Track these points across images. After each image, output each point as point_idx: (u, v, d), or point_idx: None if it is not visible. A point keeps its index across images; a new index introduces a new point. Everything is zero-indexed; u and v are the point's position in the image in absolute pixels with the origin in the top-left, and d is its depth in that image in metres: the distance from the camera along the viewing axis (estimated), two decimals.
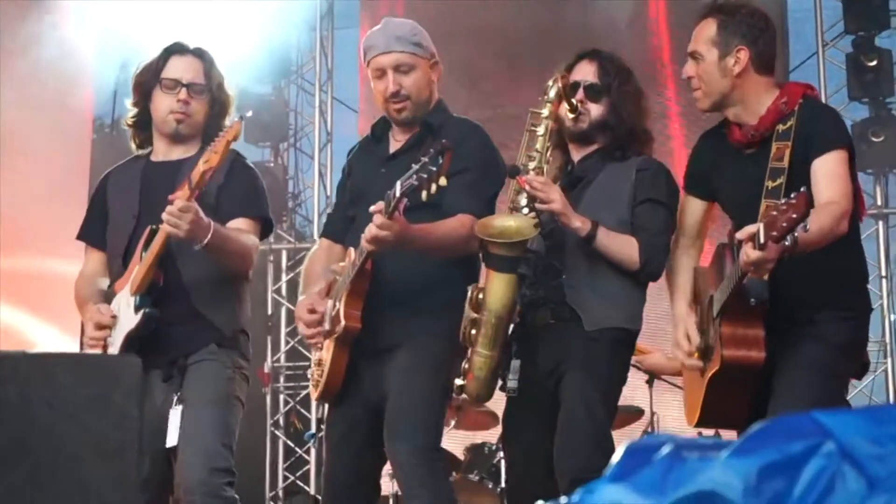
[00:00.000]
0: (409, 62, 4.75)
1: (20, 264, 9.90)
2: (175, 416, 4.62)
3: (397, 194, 4.21)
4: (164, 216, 4.49)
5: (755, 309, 4.12)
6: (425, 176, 4.14)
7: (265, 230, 5.02)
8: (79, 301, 5.02)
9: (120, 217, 4.96)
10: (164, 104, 4.89)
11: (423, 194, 4.18)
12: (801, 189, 3.83)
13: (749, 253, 3.86)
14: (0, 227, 9.92)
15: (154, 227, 4.64)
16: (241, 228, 4.78)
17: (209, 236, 4.52)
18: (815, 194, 4.05)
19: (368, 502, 4.84)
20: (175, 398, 4.64)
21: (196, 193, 4.49)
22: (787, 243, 3.82)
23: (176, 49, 4.98)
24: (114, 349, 4.75)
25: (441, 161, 4.15)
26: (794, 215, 3.75)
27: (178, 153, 4.93)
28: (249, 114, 4.58)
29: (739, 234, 3.92)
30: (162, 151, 4.98)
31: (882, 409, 1.83)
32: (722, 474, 1.79)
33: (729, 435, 5.98)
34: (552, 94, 4.79)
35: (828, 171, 4.20)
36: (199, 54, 5.00)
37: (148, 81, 4.94)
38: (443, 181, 4.18)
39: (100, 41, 9.54)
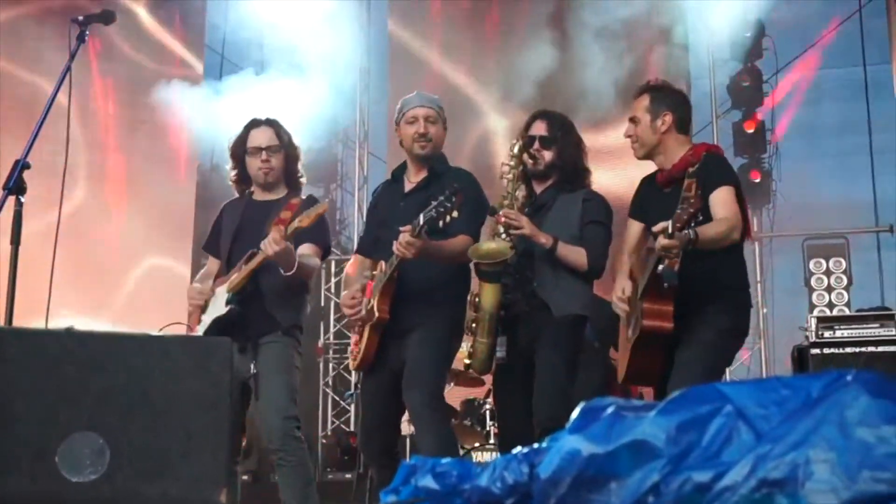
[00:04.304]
0: (435, 116, 4.77)
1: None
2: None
3: (421, 222, 4.27)
4: (267, 240, 4.50)
5: (667, 291, 4.06)
6: (442, 210, 4.21)
7: (325, 253, 4.97)
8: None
9: (226, 236, 4.95)
10: (253, 165, 4.91)
11: (440, 223, 4.24)
12: (698, 192, 3.90)
13: (661, 241, 3.83)
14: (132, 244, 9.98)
15: (255, 250, 4.63)
16: (306, 253, 4.73)
17: (294, 269, 4.56)
18: (713, 214, 4.12)
19: (391, 440, 4.81)
20: (252, 366, 4.61)
21: (290, 235, 4.49)
22: (690, 236, 3.85)
23: (253, 123, 4.98)
24: (202, 326, 4.77)
25: (454, 200, 4.21)
26: (692, 210, 3.82)
27: (268, 196, 4.93)
28: (327, 201, 4.60)
29: (655, 228, 3.90)
30: (258, 194, 4.98)
31: (766, 381, 1.80)
32: (650, 428, 1.77)
33: (647, 391, 5.99)
34: (516, 150, 4.81)
35: (721, 199, 4.19)
36: (270, 123, 4.98)
37: (238, 150, 4.97)
38: (455, 214, 4.23)
39: (199, 108, 9.52)
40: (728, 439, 1.71)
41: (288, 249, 4.52)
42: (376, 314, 4.55)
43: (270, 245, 4.48)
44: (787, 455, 1.63)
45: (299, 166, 5.00)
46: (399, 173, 4.94)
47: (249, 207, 4.95)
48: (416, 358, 4.53)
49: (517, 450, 1.85)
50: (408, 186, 4.85)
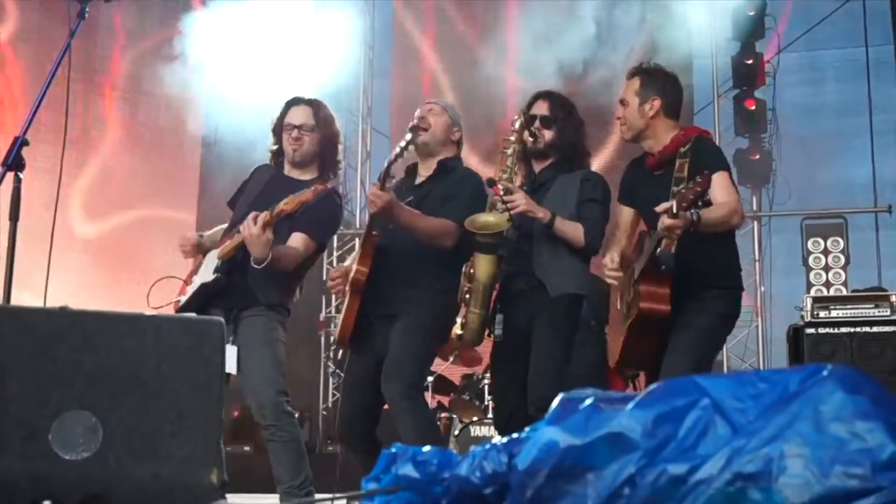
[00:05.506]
0: (438, 110, 4.87)
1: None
2: (231, 351, 4.49)
3: (384, 167, 4.42)
4: (245, 222, 4.44)
5: (665, 274, 4.04)
6: (398, 151, 4.50)
7: (319, 248, 4.81)
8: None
9: (244, 199, 4.90)
10: (286, 141, 4.84)
11: (399, 161, 4.62)
12: (704, 172, 3.84)
13: (664, 220, 3.80)
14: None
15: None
16: (293, 245, 4.61)
17: (267, 261, 4.42)
18: (713, 199, 4.04)
19: (369, 428, 4.76)
20: (231, 339, 4.53)
21: (273, 219, 4.40)
22: (693, 218, 3.82)
23: (293, 101, 4.93)
24: (192, 288, 4.74)
25: (413, 138, 4.57)
26: (699, 189, 3.77)
27: (296, 173, 4.85)
28: (313, 190, 4.49)
29: (658, 208, 3.86)
30: (287, 170, 4.91)
31: (743, 375, 1.80)
32: (627, 421, 1.77)
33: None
34: (517, 125, 4.78)
35: (719, 183, 4.14)
36: (310, 102, 4.92)
37: (278, 126, 4.91)
38: (411, 148, 4.59)
39: (207, 82, 9.48)
40: (704, 432, 1.71)
41: (262, 238, 4.38)
42: (352, 273, 4.56)
43: (246, 227, 4.42)
44: (762, 449, 1.63)
45: (339, 151, 4.94)
46: (412, 171, 5.00)
47: (275, 178, 4.88)
48: (398, 349, 4.53)
49: (497, 439, 1.85)
50: (418, 181, 4.91)
